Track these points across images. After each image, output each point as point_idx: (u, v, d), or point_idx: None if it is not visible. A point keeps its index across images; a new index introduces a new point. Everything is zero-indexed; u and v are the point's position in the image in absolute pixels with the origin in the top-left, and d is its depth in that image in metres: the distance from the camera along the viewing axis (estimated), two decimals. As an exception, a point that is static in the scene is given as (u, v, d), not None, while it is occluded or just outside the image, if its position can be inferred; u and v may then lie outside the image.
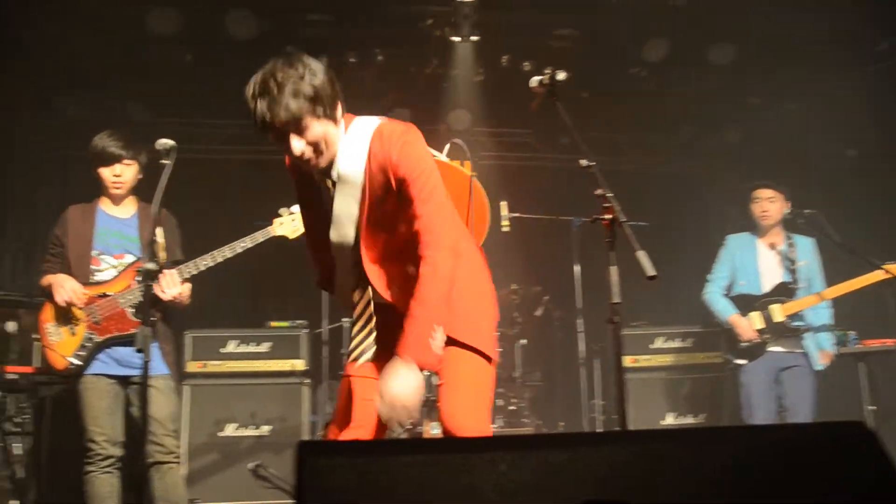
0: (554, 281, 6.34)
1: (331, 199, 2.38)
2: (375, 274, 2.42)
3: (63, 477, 4.41)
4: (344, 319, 5.64)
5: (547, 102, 2.93)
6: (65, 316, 3.67)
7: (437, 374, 2.48)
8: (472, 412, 2.42)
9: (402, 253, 2.39)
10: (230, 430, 5.25)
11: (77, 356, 3.63)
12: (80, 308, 3.66)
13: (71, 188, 6.91)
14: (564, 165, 7.32)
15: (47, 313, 3.71)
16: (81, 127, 6.59)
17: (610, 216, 2.55)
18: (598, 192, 2.58)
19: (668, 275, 2.74)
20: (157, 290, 3.49)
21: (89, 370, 3.65)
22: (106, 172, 3.77)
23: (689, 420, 5.83)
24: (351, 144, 2.34)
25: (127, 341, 3.59)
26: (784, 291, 4.74)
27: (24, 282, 7.07)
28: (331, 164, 2.33)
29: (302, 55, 2.25)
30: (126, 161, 3.75)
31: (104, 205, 3.86)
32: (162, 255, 3.61)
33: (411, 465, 1.12)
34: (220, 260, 3.68)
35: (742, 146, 7.37)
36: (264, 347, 5.38)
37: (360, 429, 2.43)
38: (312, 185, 2.46)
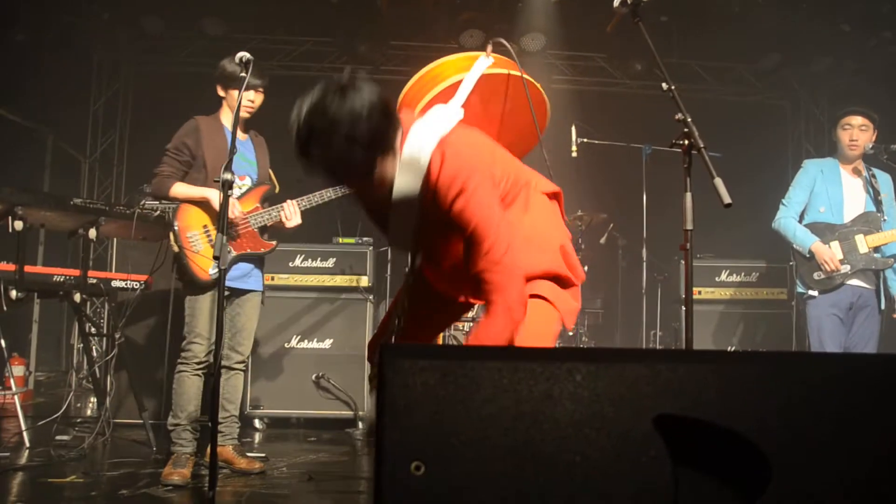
0: (620, 209, 6.27)
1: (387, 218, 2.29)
2: (432, 274, 2.46)
3: (139, 378, 4.66)
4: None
5: (624, 24, 2.83)
6: (205, 226, 3.82)
7: None
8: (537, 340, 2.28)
9: (455, 255, 2.29)
10: (294, 342, 5.42)
11: (216, 269, 3.72)
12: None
13: (147, 102, 7.08)
14: (638, 91, 7.16)
15: (188, 220, 3.80)
16: (158, 43, 6.71)
17: (688, 142, 2.49)
18: (678, 116, 2.52)
19: (739, 207, 2.68)
20: (282, 217, 3.89)
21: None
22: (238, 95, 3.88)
23: (750, 355, 5.79)
24: (407, 164, 2.15)
25: (252, 258, 3.96)
26: (869, 221, 4.48)
27: (103, 192, 7.34)
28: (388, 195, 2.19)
29: (355, 91, 2.05)
30: (259, 89, 3.89)
31: (227, 123, 3.94)
32: (275, 182, 4.07)
33: (491, 369, 1.15)
34: (326, 199, 3.98)
35: (828, 76, 7.06)
36: (330, 263, 5.49)
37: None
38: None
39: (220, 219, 2.96)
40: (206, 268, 3.75)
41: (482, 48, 2.85)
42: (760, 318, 5.82)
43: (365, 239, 5.62)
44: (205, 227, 3.82)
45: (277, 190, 4.13)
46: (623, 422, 1.16)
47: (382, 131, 2.05)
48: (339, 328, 5.44)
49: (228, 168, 3.01)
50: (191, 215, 3.81)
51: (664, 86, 2.61)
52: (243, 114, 3.89)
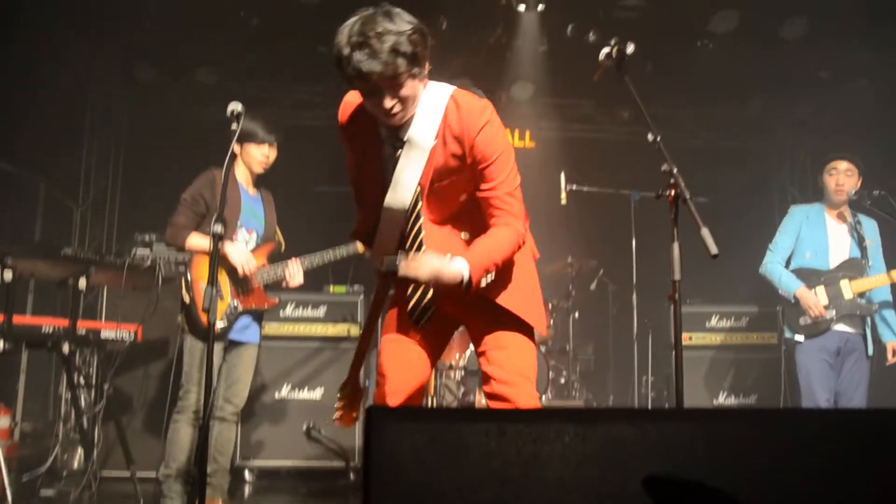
0: (610, 255, 6.30)
1: (394, 161, 2.38)
2: (433, 237, 2.44)
3: (127, 429, 4.61)
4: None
5: (611, 74, 2.90)
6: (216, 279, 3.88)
7: (469, 330, 2.59)
8: (529, 379, 2.48)
9: (458, 221, 2.49)
10: (285, 392, 5.39)
11: (224, 321, 3.88)
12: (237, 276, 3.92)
13: (139, 149, 7.12)
14: (625, 138, 7.24)
15: (201, 272, 3.86)
16: (151, 90, 6.77)
17: (674, 192, 2.53)
18: (664, 167, 2.56)
19: (727, 252, 2.73)
20: (286, 275, 4.02)
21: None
22: (255, 151, 4.03)
23: (741, 400, 5.79)
24: (426, 109, 2.33)
25: (254, 313, 4.05)
26: (854, 267, 4.52)
27: (94, 240, 7.33)
28: (402, 126, 2.34)
29: (401, 11, 2.22)
30: (273, 144, 4.05)
31: (240, 178, 4.07)
32: (281, 239, 4.22)
33: (479, 432, 1.15)
34: (327, 261, 4.17)
35: (810, 122, 7.18)
36: (321, 312, 5.49)
37: (395, 395, 2.49)
38: (368, 147, 2.45)
39: (211, 272, 2.96)
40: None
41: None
42: (751, 362, 5.83)
43: (356, 287, 5.62)
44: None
45: (283, 248, 4.24)
46: (612, 483, 1.16)
47: (426, 53, 2.24)
48: (331, 378, 5.41)
49: (219, 220, 3.02)
50: (204, 267, 3.86)
51: (650, 136, 2.66)
52: (257, 169, 4.05)
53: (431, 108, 2.33)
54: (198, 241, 3.89)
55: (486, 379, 2.50)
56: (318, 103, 7.20)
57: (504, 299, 2.46)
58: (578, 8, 6.07)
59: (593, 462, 1.16)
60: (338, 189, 4.13)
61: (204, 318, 3.68)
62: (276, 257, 4.14)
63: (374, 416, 1.18)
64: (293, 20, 5.85)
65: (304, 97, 7.18)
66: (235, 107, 3.33)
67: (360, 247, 4.26)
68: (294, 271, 4.02)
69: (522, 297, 2.51)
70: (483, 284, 2.36)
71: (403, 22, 2.18)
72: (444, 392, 5.42)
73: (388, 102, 2.22)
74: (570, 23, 6.17)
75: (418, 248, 2.41)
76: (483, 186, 2.38)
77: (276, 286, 4.11)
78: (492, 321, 2.49)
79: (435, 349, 2.62)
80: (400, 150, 2.37)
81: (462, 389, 5.38)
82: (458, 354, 5.56)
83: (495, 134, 2.34)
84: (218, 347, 3.87)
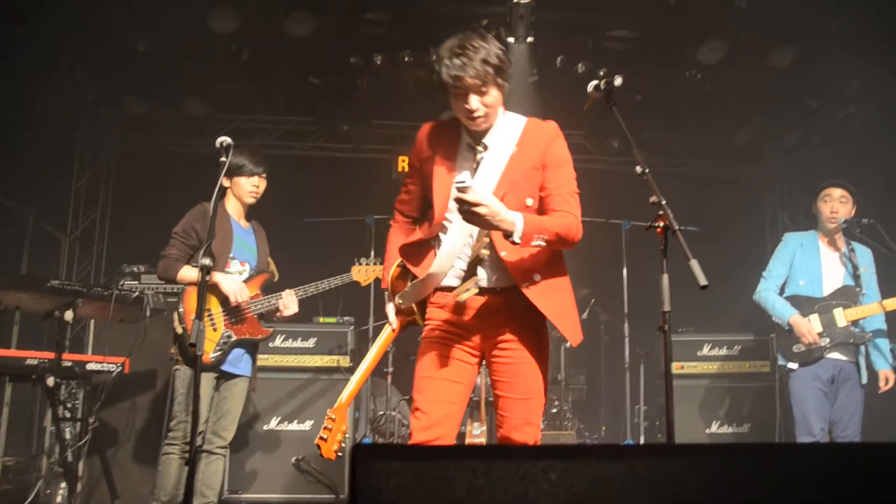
0: (601, 284, 6.30)
1: (475, 165, 2.72)
2: (494, 235, 2.68)
3: (112, 462, 4.54)
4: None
5: (600, 105, 2.93)
6: (209, 310, 3.87)
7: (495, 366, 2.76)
8: (539, 424, 2.79)
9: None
10: (274, 424, 5.33)
11: (217, 351, 3.85)
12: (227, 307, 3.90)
13: (129, 181, 7.11)
14: (616, 167, 7.27)
15: (193, 303, 3.79)
16: (140, 122, 6.78)
17: (663, 224, 2.53)
18: (653, 199, 2.57)
19: (720, 281, 2.74)
20: (280, 306, 4.00)
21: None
22: (245, 182, 4.02)
23: (734, 429, 5.75)
24: (506, 123, 2.77)
25: (246, 343, 3.99)
26: (847, 295, 4.51)
27: (82, 271, 7.28)
28: (484, 133, 2.72)
29: (489, 33, 2.64)
30: (262, 175, 4.06)
31: (231, 211, 4.07)
32: (274, 270, 4.22)
33: (465, 470, 1.12)
34: (322, 289, 4.17)
35: (799, 150, 7.23)
36: (310, 343, 5.45)
37: (433, 429, 2.65)
38: (449, 154, 2.77)
39: (199, 305, 2.94)
40: (206, 351, 3.75)
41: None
42: (746, 391, 5.80)
43: (346, 318, 5.59)
44: (209, 311, 3.86)
45: (276, 278, 4.23)
46: (601, 521, 1.14)
47: (505, 66, 2.65)
48: (321, 409, 5.35)
49: (207, 253, 3.01)
50: (194, 298, 3.80)
51: (638, 169, 2.67)
52: (248, 200, 4.05)
53: (511, 124, 2.77)
54: (189, 274, 3.87)
55: (502, 422, 2.75)
56: (309, 133, 7.23)
57: (542, 303, 2.67)
58: (568, 39, 6.14)
59: (581, 500, 1.13)
60: (327, 219, 4.11)
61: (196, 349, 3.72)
62: (270, 288, 4.13)
63: (359, 454, 1.15)
64: (283, 52, 5.89)
65: (293, 128, 7.21)
66: (224, 139, 3.35)
67: (354, 275, 4.28)
68: (288, 301, 4.01)
69: (561, 307, 2.74)
70: (533, 243, 2.56)
71: (492, 42, 2.63)
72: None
73: (475, 104, 2.60)
74: (559, 54, 6.23)
75: (489, 246, 2.69)
76: (549, 185, 2.72)
77: (270, 316, 4.09)
78: (515, 355, 2.72)
79: (467, 384, 2.78)
80: (481, 155, 2.72)
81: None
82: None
83: (564, 145, 2.80)
84: (209, 378, 3.85)
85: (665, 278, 2.50)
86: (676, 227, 2.46)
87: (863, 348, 4.51)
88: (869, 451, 1.31)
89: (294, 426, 5.33)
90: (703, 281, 2.33)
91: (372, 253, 5.05)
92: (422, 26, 5.86)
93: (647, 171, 2.64)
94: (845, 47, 5.68)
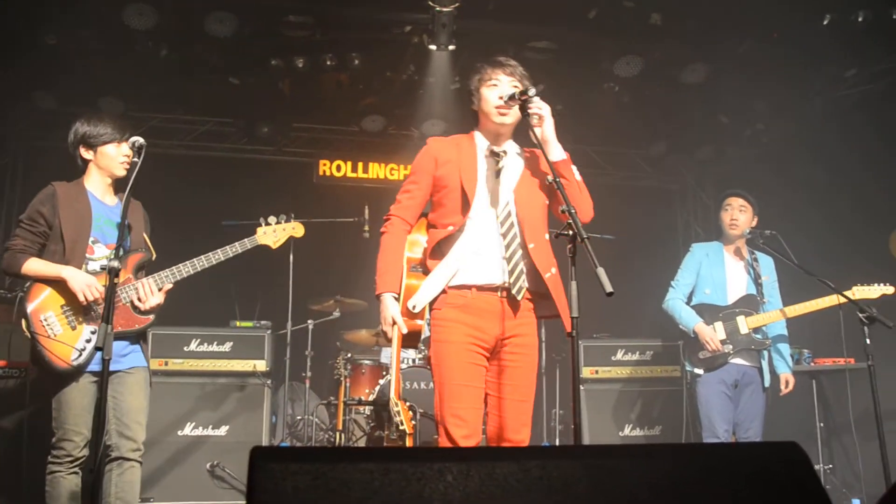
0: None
1: (496, 170, 3.03)
2: (524, 228, 2.96)
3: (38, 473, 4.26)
4: (309, 321, 5.64)
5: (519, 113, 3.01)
6: (63, 307, 3.36)
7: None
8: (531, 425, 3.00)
9: (540, 221, 3.06)
10: (188, 430, 5.23)
11: (79, 355, 3.31)
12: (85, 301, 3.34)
13: (37, 178, 6.85)
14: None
15: (43, 301, 3.34)
16: (51, 118, 6.55)
17: (572, 232, 2.60)
18: (561, 208, 2.64)
19: (634, 287, 2.87)
20: (133, 299, 3.42)
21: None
22: (114, 152, 3.54)
23: (646, 432, 5.92)
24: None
25: (127, 336, 3.45)
26: (750, 303, 4.72)
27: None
28: (501, 136, 3.12)
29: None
30: (128, 140, 3.48)
31: (92, 188, 3.56)
32: (151, 248, 3.64)
33: (363, 472, 1.15)
34: (199, 269, 3.54)
35: (712, 163, 7.51)
36: (226, 347, 5.37)
37: (474, 437, 2.86)
38: (469, 161, 3.04)
39: (107, 306, 2.84)
40: (65, 355, 3.27)
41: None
42: (656, 395, 5.98)
43: (263, 322, 5.52)
44: (63, 307, 3.35)
45: (154, 257, 3.66)
46: (494, 520, 1.17)
47: (527, 81, 3.12)
48: (236, 414, 5.28)
49: (117, 255, 2.91)
50: (45, 295, 3.35)
51: (549, 178, 2.74)
52: (119, 172, 3.55)
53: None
54: (36, 266, 3.35)
55: (498, 424, 2.91)
56: (229, 135, 7.12)
57: (556, 293, 2.96)
58: (489, 48, 6.21)
59: (475, 500, 1.17)
60: (247, 222, 3.94)
61: (50, 354, 3.27)
62: (151, 269, 3.59)
63: (256, 457, 1.16)
64: (203, 52, 5.79)
65: (213, 128, 7.08)
66: (137, 139, 3.26)
67: (260, 239, 3.73)
68: (145, 292, 3.42)
69: (564, 299, 2.91)
70: (575, 174, 3.02)
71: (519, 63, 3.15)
72: (353, 427, 5.35)
73: (506, 94, 3.00)
74: (480, 63, 6.29)
75: (513, 237, 2.94)
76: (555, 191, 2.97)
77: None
78: (521, 358, 2.93)
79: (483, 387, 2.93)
80: (503, 162, 3.04)
81: (371, 425, 5.33)
82: (368, 389, 5.52)
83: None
84: (86, 382, 3.34)
85: (574, 285, 2.57)
86: (584, 236, 2.54)
87: (765, 353, 4.73)
88: (749, 451, 1.39)
89: (209, 431, 5.24)
90: (608, 288, 2.41)
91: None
92: (344, 31, 5.85)
93: (557, 179, 2.72)
94: (753, 66, 5.94)
